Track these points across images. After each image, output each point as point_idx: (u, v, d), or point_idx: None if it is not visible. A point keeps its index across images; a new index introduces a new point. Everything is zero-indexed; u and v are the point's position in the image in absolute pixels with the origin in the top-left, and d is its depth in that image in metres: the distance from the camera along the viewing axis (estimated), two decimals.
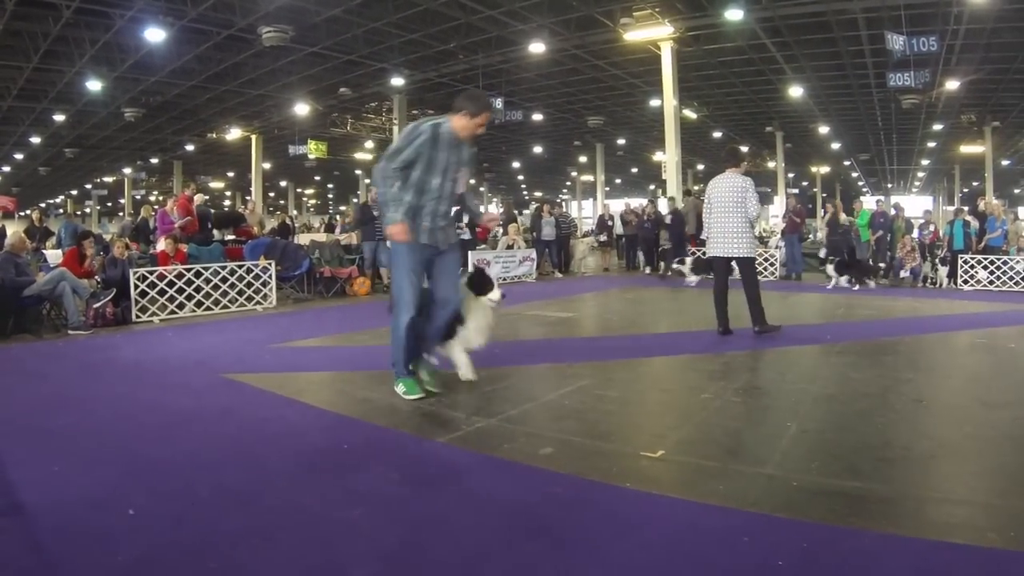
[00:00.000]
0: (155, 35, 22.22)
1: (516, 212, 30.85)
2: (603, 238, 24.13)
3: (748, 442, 4.82)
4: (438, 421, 5.42)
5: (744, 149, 41.52)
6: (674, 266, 19.19)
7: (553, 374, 7.24)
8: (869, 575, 2.97)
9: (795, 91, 28.95)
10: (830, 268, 17.26)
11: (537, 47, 24.44)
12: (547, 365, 7.75)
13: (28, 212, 26.00)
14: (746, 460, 4.40)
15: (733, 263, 9.28)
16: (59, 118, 33.34)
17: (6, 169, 48.75)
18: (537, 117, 35.43)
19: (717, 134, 40.45)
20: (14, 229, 14.95)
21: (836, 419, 5.35)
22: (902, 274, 17.69)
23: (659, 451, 4.50)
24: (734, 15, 21.10)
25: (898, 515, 3.58)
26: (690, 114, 31.38)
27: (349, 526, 3.56)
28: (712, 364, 7.64)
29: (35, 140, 38.37)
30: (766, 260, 19.64)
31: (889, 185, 59.99)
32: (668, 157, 25.59)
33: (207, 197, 19.63)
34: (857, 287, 16.52)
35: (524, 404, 5.97)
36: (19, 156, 44.14)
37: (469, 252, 17.61)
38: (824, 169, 52.03)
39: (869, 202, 24.73)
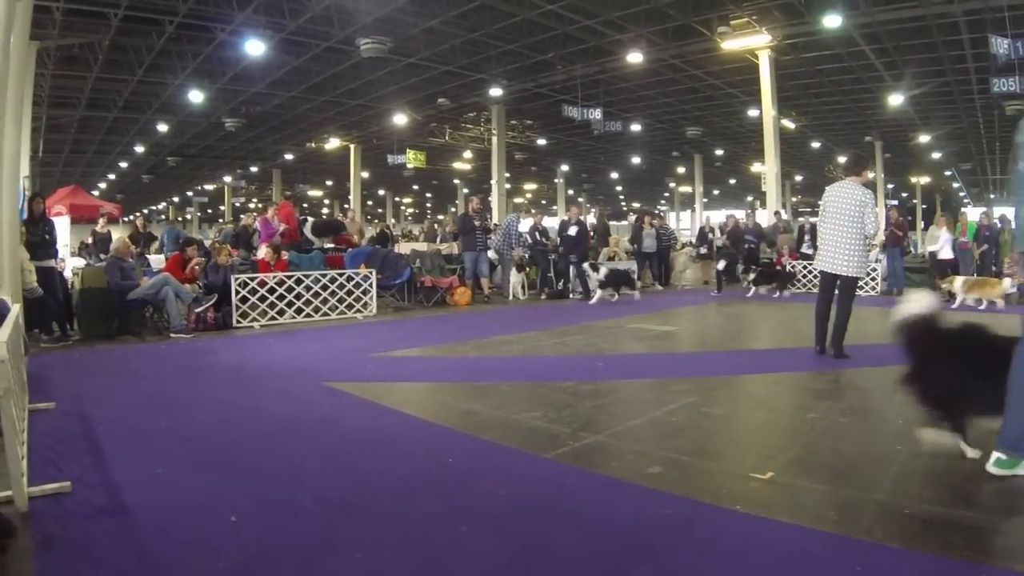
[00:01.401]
0: (255, 48, 22.85)
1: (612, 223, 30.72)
2: (703, 250, 23.88)
3: (858, 465, 4.65)
4: (544, 436, 5.38)
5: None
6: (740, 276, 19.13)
7: (657, 390, 7.15)
8: None
9: (894, 99, 27.87)
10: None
11: (634, 57, 24.36)
12: (651, 380, 7.68)
13: (132, 218, 26.82)
14: (856, 484, 4.24)
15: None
16: (162, 128, 34.39)
17: (111, 177, 50.60)
18: (635, 127, 35.12)
19: (815, 144, 39.54)
20: (119, 234, 15.50)
21: (948, 444, 5.19)
22: (1008, 289, 16.58)
23: (768, 473, 4.41)
24: (832, 22, 20.64)
25: (1018, 551, 3.41)
26: (788, 124, 30.71)
27: (455, 543, 3.52)
28: (817, 383, 7.46)
29: (139, 149, 39.83)
30: (867, 275, 18.82)
31: (992, 195, 57.60)
32: (767, 168, 25.18)
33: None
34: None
35: (630, 420, 5.94)
36: (124, 164, 45.77)
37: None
38: (924, 179, 50.39)
39: (973, 214, 23.70)
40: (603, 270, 16.72)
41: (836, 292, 8.75)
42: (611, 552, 3.40)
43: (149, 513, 3.93)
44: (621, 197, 70.92)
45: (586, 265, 16.89)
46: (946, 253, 18.74)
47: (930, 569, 3.18)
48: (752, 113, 29.49)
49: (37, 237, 10.78)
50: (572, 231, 17.33)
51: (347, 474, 4.63)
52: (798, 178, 51.75)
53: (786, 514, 3.77)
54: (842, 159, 39.84)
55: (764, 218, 23.64)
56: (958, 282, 15.77)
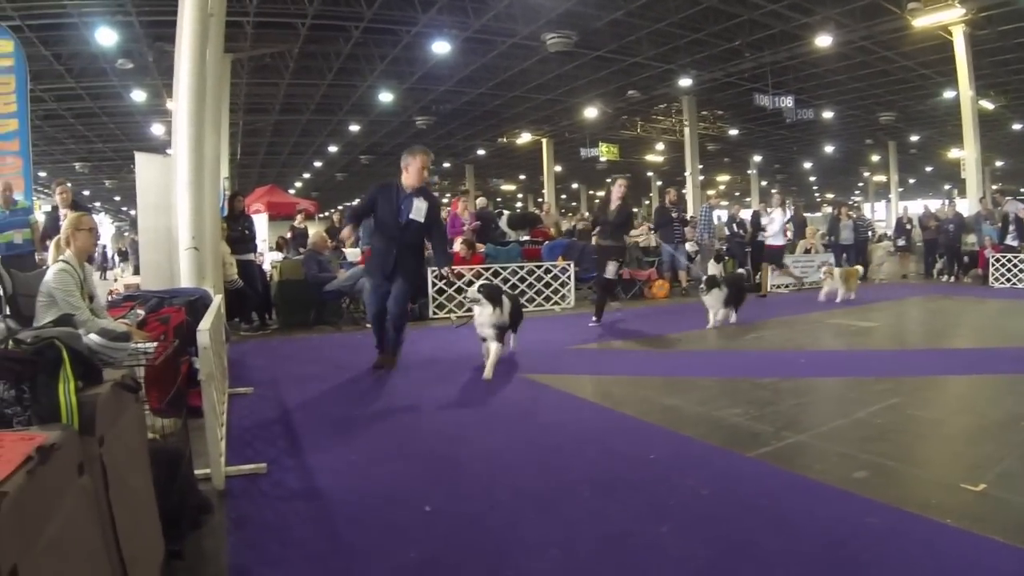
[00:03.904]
0: (441, 48, 23.62)
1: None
2: (901, 242, 22.79)
3: None
4: (747, 434, 5.31)
5: None
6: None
7: (860, 388, 6.88)
8: None
9: None
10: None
11: (822, 40, 23.29)
12: (853, 379, 7.40)
13: (329, 214, 27.90)
14: None
15: None
16: (354, 128, 35.79)
17: (306, 176, 53.00)
18: (827, 115, 33.50)
19: (1017, 126, 36.47)
20: (316, 230, 16.23)
21: None
22: None
23: (980, 485, 4.10)
24: None
25: None
26: (987, 105, 28.54)
27: (654, 544, 3.47)
28: None
29: (332, 149, 41.77)
30: None
31: None
32: (967, 153, 23.39)
33: (485, 201, 20.34)
34: None
35: (834, 420, 5.77)
36: (318, 164, 47.83)
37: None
38: None
39: None
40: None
41: None
42: (814, 560, 3.29)
43: (342, 498, 4.08)
44: (814, 188, 68.38)
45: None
46: None
47: None
48: (948, 95, 27.63)
49: (237, 233, 11.50)
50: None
51: (545, 468, 4.63)
52: (998, 164, 48.21)
53: (1001, 532, 3.47)
54: None
55: (965, 207, 22.26)
56: None
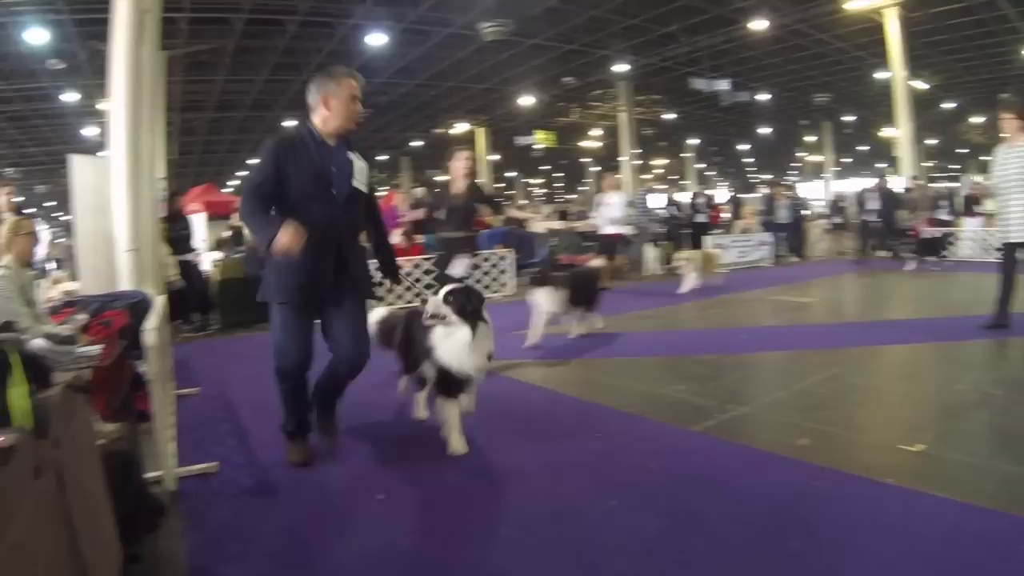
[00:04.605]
0: (377, 40, 23.17)
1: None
2: (837, 220, 23.21)
3: (1013, 439, 4.45)
4: (691, 409, 5.39)
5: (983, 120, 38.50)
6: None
7: (800, 361, 7.07)
8: None
9: None
10: None
11: (757, 24, 23.58)
12: (793, 352, 7.58)
13: None
14: (1012, 459, 4.05)
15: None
16: (291, 124, 35.10)
17: (245, 174, 52.26)
18: (762, 97, 34.07)
19: (949, 105, 37.63)
20: None
21: None
22: None
23: (919, 445, 4.29)
24: None
25: None
26: (919, 84, 29.25)
27: (606, 518, 3.56)
28: (961, 352, 7.16)
29: None
30: None
31: None
32: (899, 132, 24.05)
33: (424, 192, 20.16)
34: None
35: (776, 392, 5.92)
36: (256, 161, 47.08)
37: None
38: None
39: None
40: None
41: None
42: (763, 525, 3.39)
43: (296, 492, 4.08)
44: (751, 169, 69.27)
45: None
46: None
47: None
48: (882, 75, 28.25)
49: (176, 233, 11.31)
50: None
51: (493, 451, 4.67)
52: (933, 141, 49.41)
53: (940, 488, 3.65)
54: (980, 119, 38.07)
55: (897, 185, 22.72)
56: None
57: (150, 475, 4.08)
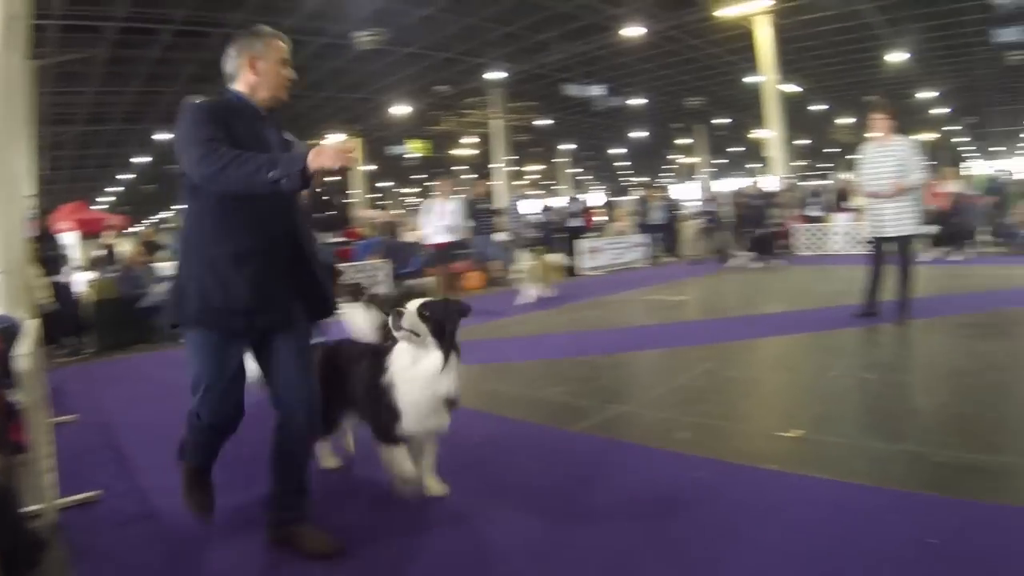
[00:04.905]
0: None
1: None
2: (711, 220, 23.82)
3: (883, 419, 4.71)
4: (570, 410, 5.41)
5: (852, 121, 40.30)
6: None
7: (677, 358, 7.20)
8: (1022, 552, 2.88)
9: (896, 56, 27.71)
10: None
11: (632, 31, 24.12)
12: (670, 349, 7.70)
13: (139, 228, 26.93)
14: (885, 437, 4.30)
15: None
16: (165, 137, 34.09)
17: (118, 189, 50.33)
18: (636, 102, 34.83)
19: (819, 107, 39.35)
20: (128, 245, 15.51)
21: (969, 393, 5.16)
22: (1018, 241, 16.17)
23: (795, 431, 4.43)
24: None
25: None
26: (790, 88, 30.47)
27: (490, 520, 3.57)
28: (833, 341, 7.44)
29: (142, 160, 39.57)
30: None
31: (995, 149, 57.27)
32: (771, 133, 25.11)
33: None
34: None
35: (655, 389, 6.01)
36: (129, 176, 45.48)
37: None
38: (929, 136, 49.92)
39: (980, 167, 23.41)
40: None
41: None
42: (647, 518, 3.44)
43: (181, 518, 3.82)
44: (627, 173, 70.56)
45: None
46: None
47: (967, 513, 3.22)
48: (753, 80, 29.24)
49: (46, 254, 10.80)
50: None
51: (369, 462, 4.51)
52: (804, 142, 51.40)
53: (817, 469, 3.81)
54: (848, 121, 39.82)
55: (772, 184, 23.51)
56: None
57: (29, 509, 3.83)
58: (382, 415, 3.75)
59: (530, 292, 12.52)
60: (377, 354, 3.92)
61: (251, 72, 3.45)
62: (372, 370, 3.84)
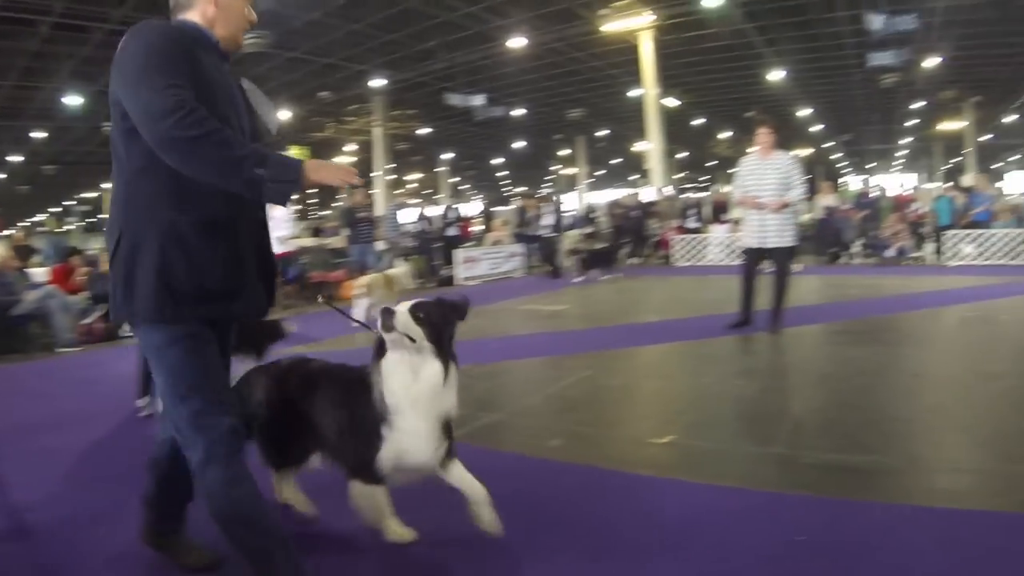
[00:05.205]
0: None
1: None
2: (588, 231, 24.09)
3: (755, 423, 4.87)
4: None
5: (730, 135, 41.63)
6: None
7: (553, 367, 7.24)
8: (889, 546, 2.99)
9: (775, 75, 29.00)
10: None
11: (516, 42, 24.47)
12: (546, 358, 7.74)
13: (10, 232, 25.79)
14: (755, 441, 4.45)
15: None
16: (39, 135, 32.88)
17: None
18: (518, 112, 35.35)
19: (699, 121, 40.55)
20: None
21: (839, 396, 5.42)
22: (887, 253, 17.40)
23: (668, 437, 4.54)
24: (712, 2, 21.16)
25: (909, 487, 3.65)
26: (671, 102, 31.40)
27: (354, 536, 3.46)
28: (708, 349, 7.66)
29: (15, 159, 38.01)
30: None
31: (871, 165, 60.03)
32: (651, 145, 25.82)
33: None
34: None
35: (528, 398, 6.03)
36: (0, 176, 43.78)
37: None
38: (806, 151, 51.87)
39: (854, 183, 24.54)
40: None
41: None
42: (521, 523, 3.39)
43: (54, 532, 3.73)
44: (507, 182, 71.07)
45: None
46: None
47: (834, 511, 3.34)
48: (635, 93, 29.82)
49: None
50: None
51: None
52: (683, 155, 52.69)
53: (689, 474, 3.90)
54: (728, 134, 41.10)
55: (650, 195, 24.01)
56: None
57: None
58: (369, 447, 3.09)
59: (361, 308, 10.64)
60: (352, 373, 3.31)
61: (211, 4, 2.77)
62: (351, 393, 3.21)
